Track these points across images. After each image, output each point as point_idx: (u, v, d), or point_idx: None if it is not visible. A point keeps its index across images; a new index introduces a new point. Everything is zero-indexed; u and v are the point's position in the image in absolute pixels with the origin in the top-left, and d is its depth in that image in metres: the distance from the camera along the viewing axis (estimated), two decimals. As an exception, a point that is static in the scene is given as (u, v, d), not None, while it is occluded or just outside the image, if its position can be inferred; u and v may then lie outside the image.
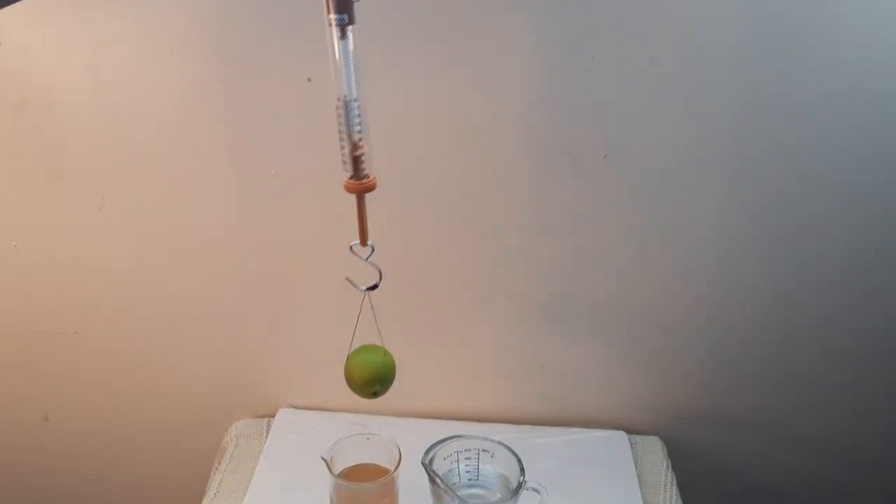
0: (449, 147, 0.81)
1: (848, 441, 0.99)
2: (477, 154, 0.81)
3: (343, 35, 0.55)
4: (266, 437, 0.94)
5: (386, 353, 0.73)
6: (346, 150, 0.59)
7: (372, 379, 0.71)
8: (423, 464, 0.77)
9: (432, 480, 0.76)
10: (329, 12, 0.54)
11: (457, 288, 0.90)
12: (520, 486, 0.76)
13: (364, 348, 0.74)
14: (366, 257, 0.63)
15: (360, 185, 0.60)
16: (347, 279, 0.65)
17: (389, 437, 0.79)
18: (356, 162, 0.60)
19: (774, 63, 0.75)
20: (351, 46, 0.56)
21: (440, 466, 0.78)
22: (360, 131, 0.59)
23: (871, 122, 0.78)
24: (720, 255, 0.86)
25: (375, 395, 0.72)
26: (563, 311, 0.91)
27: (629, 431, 0.96)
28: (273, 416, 0.97)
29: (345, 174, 0.61)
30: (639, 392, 0.96)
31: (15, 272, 0.91)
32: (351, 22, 0.55)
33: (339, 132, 0.59)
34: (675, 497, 0.88)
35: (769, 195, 0.82)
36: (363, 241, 0.63)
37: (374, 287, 0.66)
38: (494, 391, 0.97)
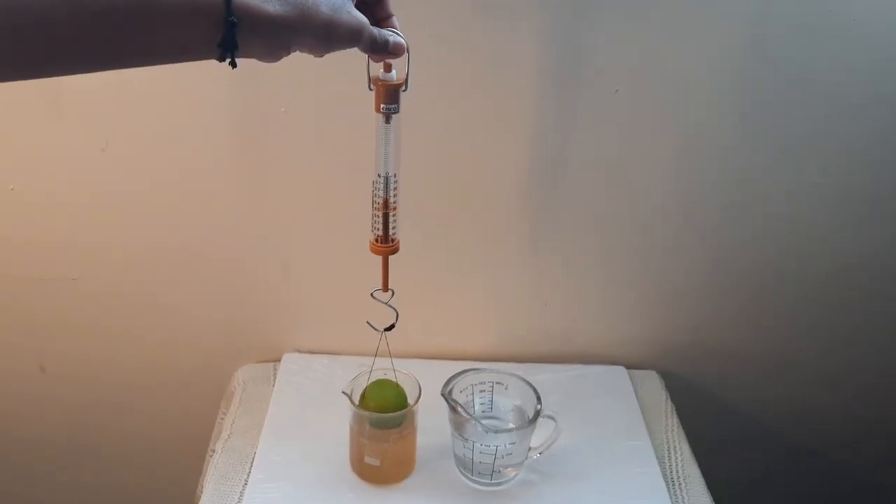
0: (455, 76, 0.81)
1: (844, 370, 1.04)
2: (483, 86, 0.82)
3: (388, 121, 0.62)
4: (274, 380, 0.94)
5: (398, 386, 0.79)
6: (380, 220, 0.66)
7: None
8: (442, 395, 0.78)
9: (453, 409, 0.77)
10: (380, 102, 0.60)
11: (458, 229, 0.92)
12: (537, 413, 0.78)
13: (379, 384, 0.79)
14: (386, 301, 0.69)
15: (387, 248, 0.67)
16: (368, 322, 0.71)
17: (407, 371, 0.80)
18: (387, 229, 0.67)
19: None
20: (393, 132, 0.62)
21: (457, 399, 0.79)
22: (394, 204, 0.66)
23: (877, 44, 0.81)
24: (718, 188, 0.89)
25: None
26: (566, 250, 0.93)
27: (628, 366, 0.99)
28: (278, 360, 0.97)
29: (371, 235, 0.67)
30: (637, 328, 0.99)
31: (11, 217, 0.88)
32: (398, 112, 0.61)
33: (374, 203, 0.66)
34: (676, 425, 0.92)
35: (764, 129, 0.85)
36: (385, 289, 0.69)
37: (392, 327, 0.71)
38: (498, 331, 0.99)
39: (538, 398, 0.79)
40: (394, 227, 0.67)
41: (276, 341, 0.98)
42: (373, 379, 0.79)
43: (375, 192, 0.66)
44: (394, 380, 0.79)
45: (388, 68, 0.60)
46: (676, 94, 0.83)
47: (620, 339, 0.99)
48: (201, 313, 0.96)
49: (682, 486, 0.83)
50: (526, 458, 0.81)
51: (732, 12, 0.78)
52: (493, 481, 0.79)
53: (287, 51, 0.49)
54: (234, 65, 0.47)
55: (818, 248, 0.94)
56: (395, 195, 0.66)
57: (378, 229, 0.67)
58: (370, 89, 0.60)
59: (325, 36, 0.50)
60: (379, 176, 0.65)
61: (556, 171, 0.87)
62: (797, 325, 1.00)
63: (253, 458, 0.82)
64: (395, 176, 0.65)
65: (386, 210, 0.66)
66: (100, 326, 0.96)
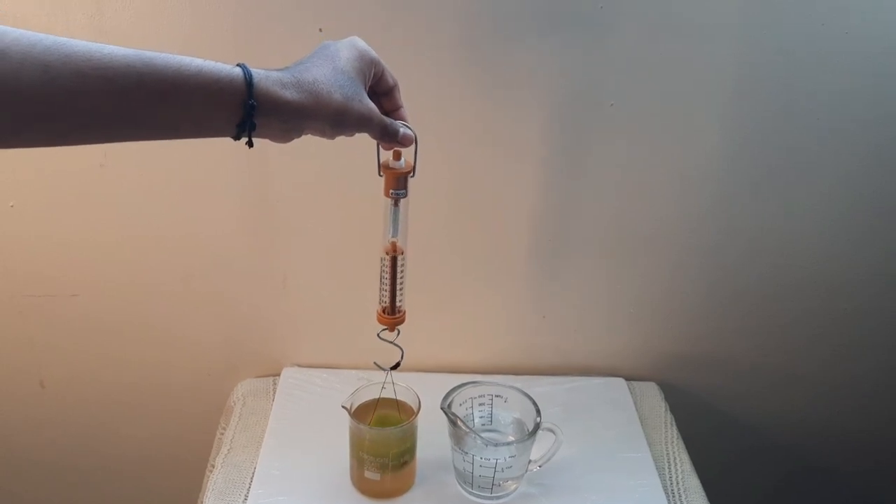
0: (451, 96, 0.82)
1: (845, 382, 1.04)
2: (483, 105, 0.82)
3: (396, 204, 0.65)
4: (273, 395, 0.94)
5: (401, 420, 0.79)
6: (388, 293, 0.69)
7: (399, 449, 0.78)
8: (442, 408, 0.79)
9: (453, 423, 0.77)
10: (389, 187, 0.63)
11: (457, 244, 0.92)
12: (537, 426, 0.78)
13: (382, 418, 0.79)
14: (392, 339, 0.71)
15: (393, 319, 0.70)
16: (375, 363, 0.74)
17: (406, 385, 0.80)
18: (394, 301, 0.69)
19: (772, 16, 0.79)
20: (401, 212, 0.65)
21: (456, 413, 0.80)
22: (402, 279, 0.68)
23: (867, 62, 0.82)
24: (714, 200, 0.89)
25: (405, 464, 0.79)
26: (565, 263, 0.93)
27: (627, 378, 1.00)
28: (277, 375, 0.97)
29: (378, 305, 0.70)
30: (635, 339, 0.99)
31: (11, 233, 0.89)
32: (406, 196, 0.64)
33: (382, 279, 0.68)
34: (675, 437, 0.92)
35: (763, 140, 0.86)
36: (391, 330, 0.71)
37: (397, 366, 0.73)
38: (497, 344, 0.99)
39: (538, 411, 0.79)
40: (401, 300, 0.69)
41: (275, 356, 0.98)
42: (379, 407, 0.79)
43: (383, 268, 0.68)
44: (394, 397, 0.79)
45: (397, 157, 0.62)
46: (676, 111, 0.83)
47: (620, 351, 1.00)
48: (201, 328, 0.97)
49: (683, 497, 0.83)
50: (526, 471, 0.81)
51: (726, 27, 0.79)
52: (493, 495, 0.79)
53: (300, 133, 0.53)
54: (250, 144, 0.49)
55: (818, 262, 0.94)
56: (402, 270, 0.68)
57: (385, 300, 0.69)
58: (380, 175, 0.63)
59: (336, 122, 0.53)
60: (387, 253, 0.67)
61: (555, 187, 0.88)
62: (798, 336, 1.00)
63: (253, 473, 0.82)
64: (402, 253, 0.67)
65: (394, 284, 0.68)
66: (99, 341, 0.97)
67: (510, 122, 0.83)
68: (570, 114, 0.83)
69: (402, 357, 0.72)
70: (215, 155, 0.84)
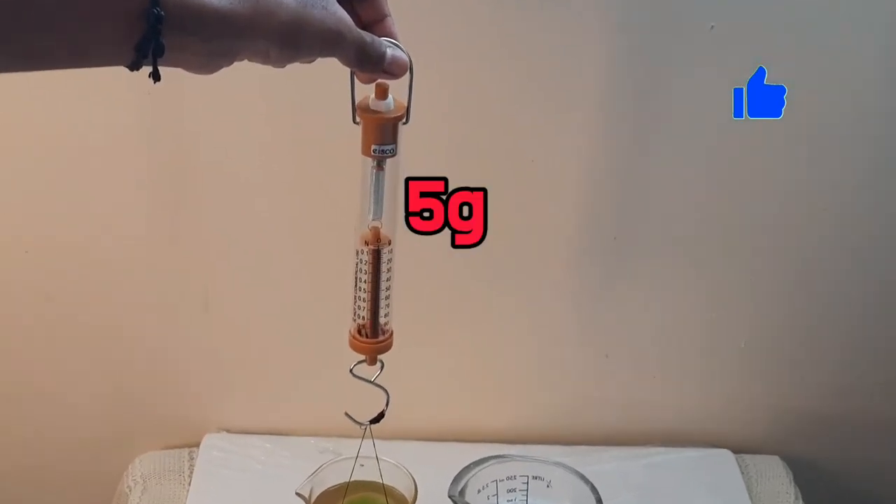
0: (477, 123, 0.84)
1: None
2: (537, 98, 0.85)
3: (380, 167, 0.62)
4: (189, 476, 0.93)
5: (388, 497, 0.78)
6: (366, 308, 0.66)
7: None
8: (451, 497, 0.75)
9: (468, 523, 0.70)
10: (370, 142, 0.61)
11: (471, 250, 0.88)
12: (599, 525, 0.65)
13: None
14: (373, 379, 0.69)
15: (374, 344, 0.68)
16: (346, 414, 0.70)
17: (395, 461, 0.78)
18: (376, 317, 0.66)
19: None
20: (385, 179, 0.63)
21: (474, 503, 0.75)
22: (388, 285, 0.67)
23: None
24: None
25: None
26: (631, 271, 0.93)
27: (735, 450, 0.98)
28: (196, 445, 0.96)
29: (352, 325, 0.67)
30: (747, 392, 0.99)
31: None
32: (394, 154, 0.62)
33: (358, 284, 0.66)
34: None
35: None
36: (371, 361, 0.69)
37: (380, 418, 0.70)
38: (535, 398, 0.98)
39: (598, 500, 0.77)
40: (386, 315, 0.66)
41: (192, 416, 0.97)
42: (352, 492, 0.79)
43: (360, 267, 0.65)
44: (379, 480, 0.78)
45: (381, 94, 0.59)
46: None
47: (724, 409, 0.99)
48: (80, 377, 0.96)
49: None
50: None
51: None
52: None
53: (229, 59, 0.50)
54: (156, 77, 0.47)
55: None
56: (389, 270, 0.65)
57: (363, 316, 0.66)
58: (355, 122, 0.60)
59: (288, 40, 0.51)
60: (366, 244, 0.64)
61: (622, 161, 0.90)
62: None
63: None
64: (389, 243, 0.64)
65: (376, 290, 0.65)
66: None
67: (560, 59, 0.82)
68: (652, 44, 0.82)
69: (387, 404, 0.68)
70: (103, 105, 0.81)
